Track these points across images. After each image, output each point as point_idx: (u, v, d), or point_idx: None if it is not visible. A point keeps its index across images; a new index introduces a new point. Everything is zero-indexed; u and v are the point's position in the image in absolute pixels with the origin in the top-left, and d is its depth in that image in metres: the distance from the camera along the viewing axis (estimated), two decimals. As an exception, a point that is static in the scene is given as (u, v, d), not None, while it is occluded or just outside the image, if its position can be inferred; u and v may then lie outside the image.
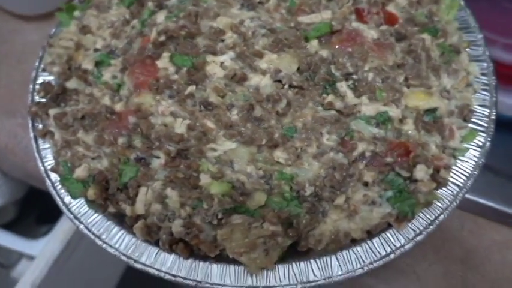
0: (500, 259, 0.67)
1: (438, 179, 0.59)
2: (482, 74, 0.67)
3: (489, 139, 0.62)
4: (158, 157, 0.60)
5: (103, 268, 1.11)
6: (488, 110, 0.64)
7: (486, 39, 0.70)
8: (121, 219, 0.61)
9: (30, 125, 0.68)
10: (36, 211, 1.17)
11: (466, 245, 0.67)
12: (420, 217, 0.58)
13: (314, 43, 0.65)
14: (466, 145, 0.62)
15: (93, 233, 0.60)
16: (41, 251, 0.87)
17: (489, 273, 0.66)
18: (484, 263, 0.67)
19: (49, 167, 0.65)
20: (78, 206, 0.62)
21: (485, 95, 0.65)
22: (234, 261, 0.57)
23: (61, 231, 0.88)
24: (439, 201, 0.58)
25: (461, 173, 0.61)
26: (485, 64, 0.68)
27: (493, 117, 0.64)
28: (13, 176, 0.89)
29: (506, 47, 0.93)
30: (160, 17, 0.70)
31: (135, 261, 0.58)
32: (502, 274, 0.66)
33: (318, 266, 0.56)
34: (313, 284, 0.55)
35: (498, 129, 0.63)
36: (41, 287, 0.86)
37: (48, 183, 0.64)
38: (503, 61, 0.90)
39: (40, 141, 0.67)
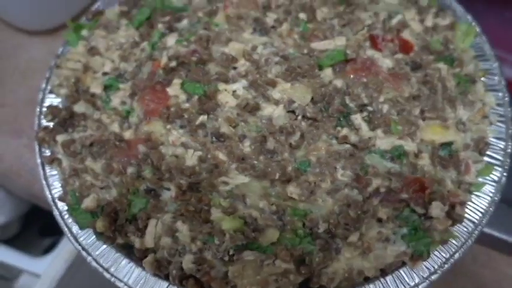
0: (512, 293, 0.66)
1: (454, 216, 0.58)
2: (498, 105, 0.66)
3: (505, 174, 0.61)
4: (168, 189, 0.59)
5: (107, 285, 1.10)
6: (504, 143, 0.63)
7: (501, 59, 0.69)
8: (130, 251, 0.60)
9: (37, 150, 0.67)
10: (39, 223, 1.16)
11: (478, 279, 0.66)
12: (435, 255, 0.57)
13: (328, 72, 0.64)
14: (482, 180, 0.61)
15: (101, 266, 0.59)
16: (46, 269, 0.86)
17: (501, 308, 0.66)
18: (497, 298, 0.66)
19: (56, 195, 0.64)
20: (86, 236, 0.61)
21: (501, 127, 0.64)
22: (245, 298, 0.56)
23: (65, 249, 0.87)
24: (453, 239, 0.57)
25: (476, 209, 0.60)
26: (500, 94, 0.66)
27: (509, 150, 0.63)
28: (18, 195, 0.88)
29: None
30: (171, 40, 0.69)
31: (145, 296, 0.57)
32: (515, 309, 0.65)
33: (331, 305, 0.55)
34: (326, 323, 0.55)
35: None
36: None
37: (56, 212, 0.63)
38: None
39: (47, 168, 0.66)
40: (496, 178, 0.61)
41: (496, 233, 0.68)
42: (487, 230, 0.68)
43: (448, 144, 0.61)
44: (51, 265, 0.86)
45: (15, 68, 0.87)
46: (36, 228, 1.16)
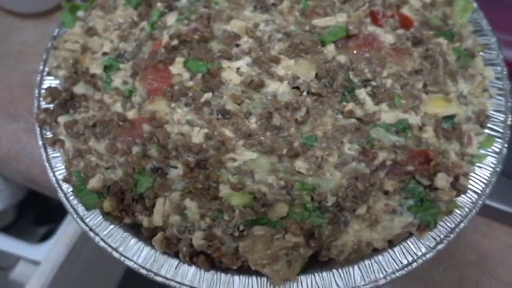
0: (513, 262, 0.68)
1: (458, 187, 0.59)
2: (497, 79, 0.67)
3: (506, 145, 0.62)
4: (176, 167, 0.59)
5: (105, 268, 1.10)
6: (503, 116, 0.64)
7: (501, 41, 0.70)
8: (137, 230, 0.60)
9: (38, 132, 0.66)
10: (34, 212, 1.15)
11: (480, 249, 0.68)
12: (440, 225, 0.58)
13: (331, 48, 0.64)
14: (483, 152, 0.62)
15: (110, 246, 0.59)
16: (46, 256, 0.85)
17: (503, 277, 0.67)
18: (498, 267, 0.68)
19: (60, 177, 0.63)
20: (93, 216, 0.61)
21: (500, 100, 0.65)
22: (256, 273, 0.56)
23: (65, 235, 0.86)
24: (458, 209, 0.59)
25: (479, 180, 0.61)
26: (499, 68, 0.68)
27: (509, 122, 0.64)
28: (15, 181, 0.87)
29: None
30: (171, 19, 0.68)
31: (155, 274, 0.57)
32: (516, 277, 0.67)
33: (340, 277, 0.56)
34: (336, 294, 0.55)
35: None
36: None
37: (61, 193, 0.62)
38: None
39: (49, 150, 0.65)
40: (497, 150, 0.62)
41: (496, 204, 0.69)
42: (487, 201, 0.69)
43: (450, 117, 0.62)
44: (51, 252, 0.85)
45: (8, 51, 0.85)
46: (31, 217, 1.14)
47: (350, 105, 0.59)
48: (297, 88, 0.61)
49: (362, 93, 0.61)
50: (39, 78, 0.70)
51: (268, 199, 0.56)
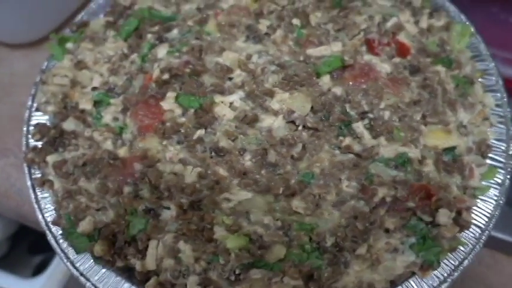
0: (519, 295, 0.66)
1: (461, 222, 0.57)
2: (497, 106, 0.65)
3: (508, 176, 0.61)
4: (168, 208, 0.57)
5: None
6: (505, 145, 0.63)
7: (497, 58, 0.68)
8: (130, 274, 0.58)
9: (26, 172, 0.64)
10: (28, 241, 1.12)
11: (484, 282, 0.66)
12: (443, 263, 0.56)
13: (326, 79, 0.62)
14: (486, 184, 0.60)
15: (102, 292, 0.56)
16: (39, 292, 0.83)
17: (509, 310, 0.65)
18: (504, 300, 0.66)
19: (49, 218, 0.61)
20: (84, 260, 0.59)
21: (501, 128, 0.64)
22: (254, 318, 0.54)
23: (58, 269, 0.84)
24: (462, 246, 0.57)
25: (482, 214, 0.59)
26: (499, 95, 0.66)
27: (511, 152, 0.62)
28: (6, 217, 0.85)
29: (506, 62, 0.92)
30: (162, 51, 0.66)
31: (149, 321, 0.55)
32: (522, 310, 0.65)
33: (342, 320, 0.54)
34: None
35: None
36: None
37: (50, 236, 0.60)
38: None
39: (38, 190, 0.63)
40: (499, 181, 0.60)
41: (500, 235, 0.67)
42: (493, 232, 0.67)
43: (451, 149, 0.60)
44: (43, 287, 0.83)
45: (-3, 83, 0.83)
46: (25, 246, 1.12)
47: (347, 140, 0.58)
48: (293, 122, 0.59)
49: (359, 127, 0.59)
50: (27, 115, 0.68)
51: (265, 241, 0.54)
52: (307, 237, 0.55)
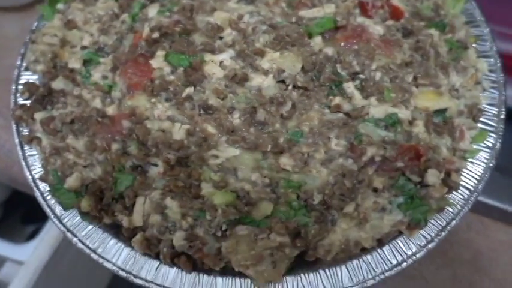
0: (507, 260, 0.66)
1: (449, 183, 0.57)
2: (490, 71, 0.65)
3: (499, 140, 0.60)
4: (156, 165, 0.57)
5: (94, 268, 1.08)
6: (497, 109, 0.62)
7: (494, 32, 0.67)
8: (117, 230, 0.58)
9: (14, 129, 0.63)
10: (21, 211, 1.12)
11: (473, 247, 0.66)
12: (431, 223, 0.56)
13: (318, 40, 0.62)
14: (476, 146, 0.60)
15: (88, 247, 0.56)
16: (30, 256, 0.83)
17: (496, 275, 0.65)
18: (492, 265, 0.66)
19: (37, 175, 0.61)
20: (71, 216, 0.59)
21: (493, 93, 0.63)
22: (240, 274, 0.54)
23: (50, 235, 0.84)
24: (450, 206, 0.57)
25: (471, 176, 0.59)
26: (492, 60, 0.66)
27: (502, 116, 0.62)
28: (-4, 180, 0.84)
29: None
30: (152, 11, 0.66)
31: (135, 276, 0.55)
32: (510, 275, 0.65)
33: (327, 277, 0.54)
34: (323, 296, 0.53)
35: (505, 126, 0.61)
36: (30, 293, 0.83)
37: (37, 193, 0.60)
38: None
39: (26, 148, 0.62)
40: (490, 144, 0.60)
41: (489, 201, 0.67)
42: (480, 198, 0.67)
43: (442, 111, 0.59)
44: (34, 252, 0.83)
45: (-12, 46, 0.82)
46: (18, 216, 1.12)
47: (337, 99, 0.57)
48: (283, 82, 0.59)
49: (350, 87, 0.58)
50: (16, 73, 0.68)
51: (252, 197, 0.54)
52: (295, 195, 0.55)
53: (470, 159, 0.59)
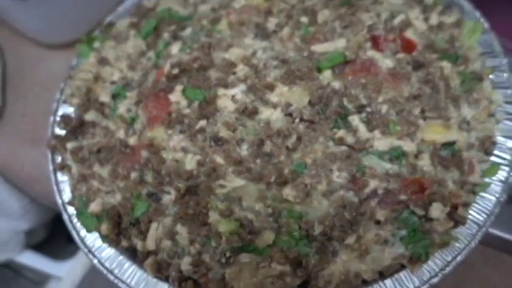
0: (527, 299, 0.63)
1: (456, 218, 0.56)
2: (506, 103, 0.63)
3: (512, 173, 0.59)
4: (169, 193, 0.61)
5: None
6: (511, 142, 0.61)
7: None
8: (134, 254, 0.62)
9: (49, 157, 0.70)
10: (67, 230, 1.20)
11: (489, 283, 0.63)
12: (436, 258, 0.55)
13: (327, 74, 0.64)
14: (488, 180, 0.59)
15: (106, 268, 0.61)
16: (67, 273, 0.89)
17: (515, 314, 0.63)
18: (510, 303, 0.63)
19: (66, 200, 0.67)
20: (93, 239, 0.64)
21: (508, 125, 0.62)
22: (243, 300, 0.56)
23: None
24: (456, 241, 0.56)
25: (481, 211, 0.57)
26: (509, 91, 0.64)
27: (517, 149, 0.60)
28: (40, 202, 0.92)
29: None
30: (175, 48, 0.71)
31: (145, 297, 0.58)
32: (529, 315, 0.62)
33: (328, 308, 0.55)
34: (322, 326, 0.54)
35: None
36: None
37: (65, 216, 0.65)
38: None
39: (59, 174, 0.69)
40: (502, 178, 0.59)
41: (507, 236, 0.65)
42: (497, 232, 0.65)
43: (449, 144, 0.59)
44: (71, 269, 0.89)
45: (36, 80, 0.91)
46: (64, 235, 1.20)
47: (341, 132, 0.59)
48: (290, 115, 0.61)
49: (355, 120, 0.60)
50: (55, 106, 0.75)
51: (255, 226, 0.56)
52: (296, 225, 0.56)
53: (481, 194, 0.58)
